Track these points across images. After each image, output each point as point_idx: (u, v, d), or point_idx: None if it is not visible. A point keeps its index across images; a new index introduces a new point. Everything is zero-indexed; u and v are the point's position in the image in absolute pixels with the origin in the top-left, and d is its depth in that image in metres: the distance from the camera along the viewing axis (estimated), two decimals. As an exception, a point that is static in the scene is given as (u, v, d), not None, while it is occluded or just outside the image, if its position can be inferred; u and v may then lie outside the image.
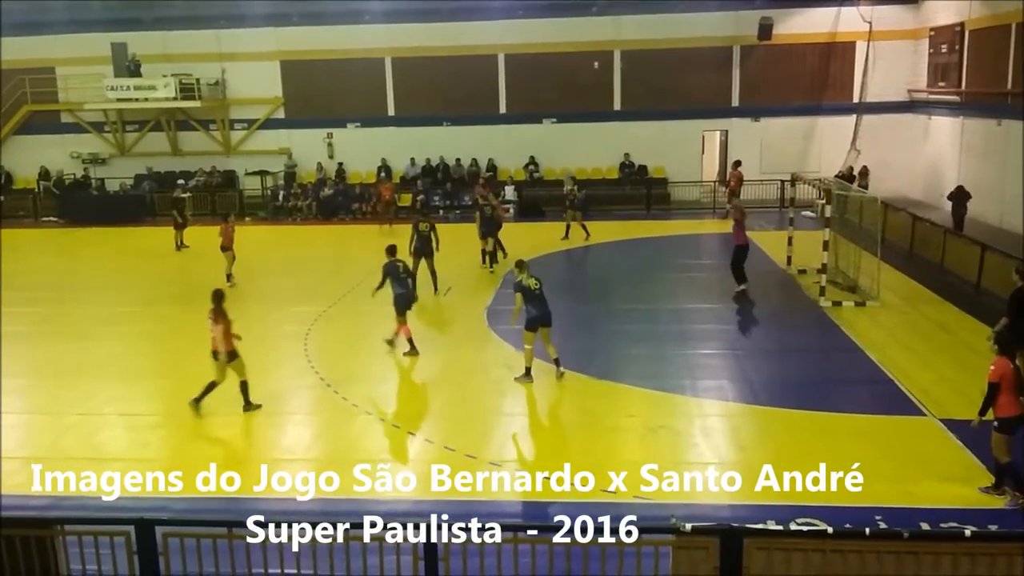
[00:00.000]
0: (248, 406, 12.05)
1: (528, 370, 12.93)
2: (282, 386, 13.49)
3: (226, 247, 19.54)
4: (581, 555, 6.38)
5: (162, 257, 24.12)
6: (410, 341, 14.30)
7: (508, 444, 11.09)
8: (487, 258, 20.53)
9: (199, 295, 18.90)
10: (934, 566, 6.12)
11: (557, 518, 8.62)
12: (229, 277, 19.27)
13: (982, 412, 9.09)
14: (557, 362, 13.03)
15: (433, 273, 18.11)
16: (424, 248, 17.96)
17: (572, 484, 9.70)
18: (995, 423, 9.04)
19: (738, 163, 27.93)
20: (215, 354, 11.84)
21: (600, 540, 6.41)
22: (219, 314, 11.79)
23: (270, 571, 6.60)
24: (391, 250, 14.76)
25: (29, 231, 29.01)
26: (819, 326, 15.85)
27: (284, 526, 6.49)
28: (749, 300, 17.43)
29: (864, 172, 26.94)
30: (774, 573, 6.23)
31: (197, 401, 11.98)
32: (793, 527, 8.15)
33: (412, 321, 15.54)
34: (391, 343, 14.64)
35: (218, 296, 11.93)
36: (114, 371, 14.26)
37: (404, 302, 14.24)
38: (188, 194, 27.66)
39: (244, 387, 12.03)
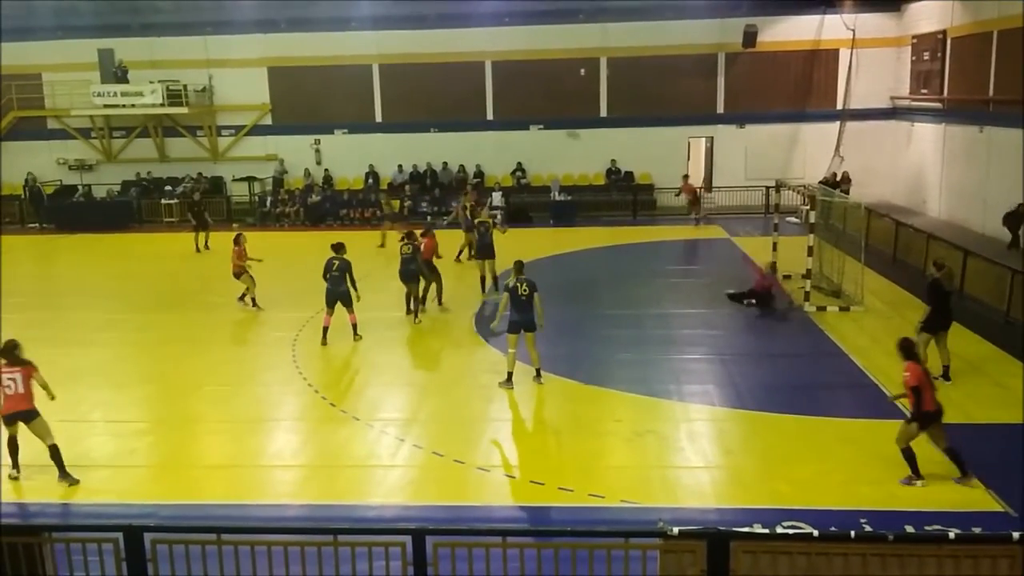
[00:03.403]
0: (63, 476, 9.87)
1: (509, 375, 12.93)
2: (270, 392, 13.51)
3: (238, 272, 18.00)
4: (569, 558, 6.42)
5: (149, 263, 24.07)
6: (324, 330, 15.40)
7: (496, 449, 11.12)
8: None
9: (187, 301, 19.02)
10: (919, 568, 6.19)
11: (545, 523, 8.68)
12: (253, 300, 18.11)
13: (915, 413, 9.50)
14: (538, 372, 13.11)
15: (416, 299, 16.86)
16: (405, 273, 16.52)
17: (560, 488, 9.77)
18: (913, 417, 9.53)
19: (687, 176, 28.32)
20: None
21: (588, 543, 6.46)
22: (17, 363, 9.86)
23: (259, 577, 6.60)
24: (337, 247, 15.75)
25: (15, 238, 28.86)
26: (804, 331, 15.96)
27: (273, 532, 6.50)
28: (736, 305, 17.54)
29: (846, 178, 27.19)
30: (760, 576, 6.29)
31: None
32: (779, 530, 8.23)
33: (403, 329, 15.56)
34: (356, 335, 15.55)
35: (8, 348, 10.01)
36: (100, 377, 14.20)
37: (330, 296, 15.40)
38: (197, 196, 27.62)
39: (55, 452, 9.94)
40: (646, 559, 6.48)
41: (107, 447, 11.37)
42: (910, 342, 9.94)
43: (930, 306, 12.67)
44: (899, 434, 9.73)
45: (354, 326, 15.53)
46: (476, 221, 19.23)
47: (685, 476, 10.17)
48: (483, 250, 18.55)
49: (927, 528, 8.45)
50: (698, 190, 28.30)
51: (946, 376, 12.60)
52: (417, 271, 16.55)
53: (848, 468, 10.11)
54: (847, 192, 25.14)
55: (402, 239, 16.98)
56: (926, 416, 9.50)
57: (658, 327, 16.28)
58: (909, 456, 9.61)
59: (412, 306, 16.74)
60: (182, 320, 17.76)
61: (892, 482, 9.70)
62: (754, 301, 17.42)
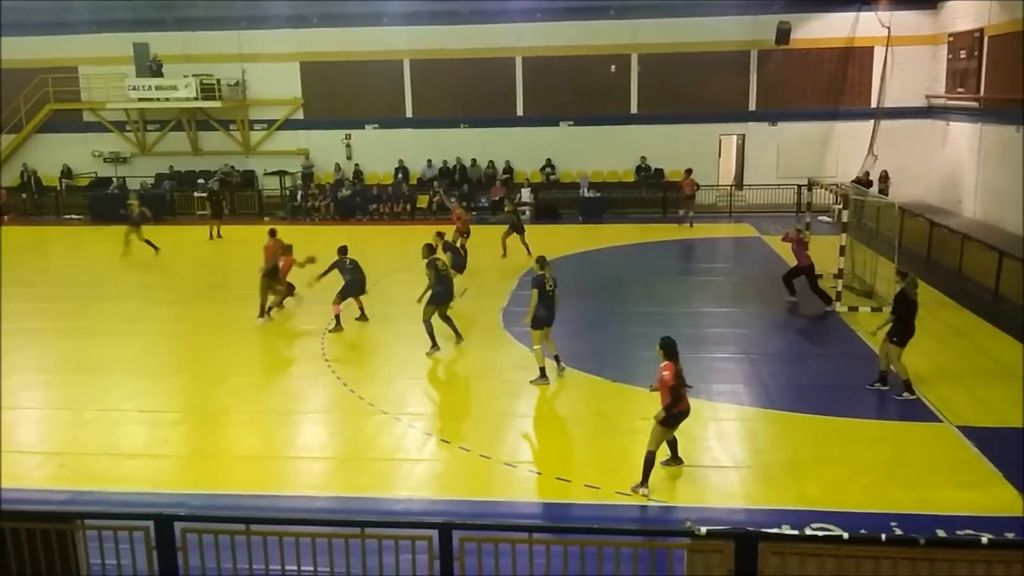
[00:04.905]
0: None
1: (542, 371, 12.98)
2: (299, 385, 13.64)
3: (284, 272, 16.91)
4: (595, 556, 6.41)
5: (181, 255, 24.31)
6: (336, 318, 15.94)
7: (522, 445, 11.15)
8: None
9: (217, 293, 19.21)
10: (949, 572, 6.11)
11: (571, 519, 8.67)
12: (268, 310, 16.81)
13: (668, 408, 9.37)
14: (557, 358, 13.23)
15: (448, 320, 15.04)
16: (445, 293, 14.78)
17: (586, 486, 9.76)
18: (661, 417, 9.39)
19: (690, 171, 27.49)
20: None
21: (614, 541, 6.45)
22: None
23: (287, 568, 6.66)
24: (342, 250, 16.22)
25: (49, 228, 29.35)
26: (835, 331, 15.81)
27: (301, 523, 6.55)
28: (765, 304, 17.38)
29: (884, 177, 26.84)
30: (788, 577, 6.24)
31: None
32: (808, 532, 8.17)
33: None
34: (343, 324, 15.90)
35: None
36: (134, 367, 14.38)
37: (352, 289, 16.13)
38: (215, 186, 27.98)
39: None
40: (673, 558, 6.46)
41: (139, 436, 11.52)
42: (671, 341, 9.68)
43: (898, 318, 12.22)
44: (651, 436, 9.48)
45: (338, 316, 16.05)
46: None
47: (713, 475, 10.11)
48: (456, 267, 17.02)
49: (959, 532, 8.36)
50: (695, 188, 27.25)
51: (910, 389, 12.23)
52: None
53: (878, 470, 10.01)
54: (886, 191, 24.84)
55: (430, 251, 15.03)
56: (678, 415, 9.45)
57: (686, 325, 16.16)
58: (649, 461, 9.38)
59: (453, 328, 14.92)
60: (212, 311, 17.95)
61: (923, 485, 9.59)
62: (794, 298, 17.12)
